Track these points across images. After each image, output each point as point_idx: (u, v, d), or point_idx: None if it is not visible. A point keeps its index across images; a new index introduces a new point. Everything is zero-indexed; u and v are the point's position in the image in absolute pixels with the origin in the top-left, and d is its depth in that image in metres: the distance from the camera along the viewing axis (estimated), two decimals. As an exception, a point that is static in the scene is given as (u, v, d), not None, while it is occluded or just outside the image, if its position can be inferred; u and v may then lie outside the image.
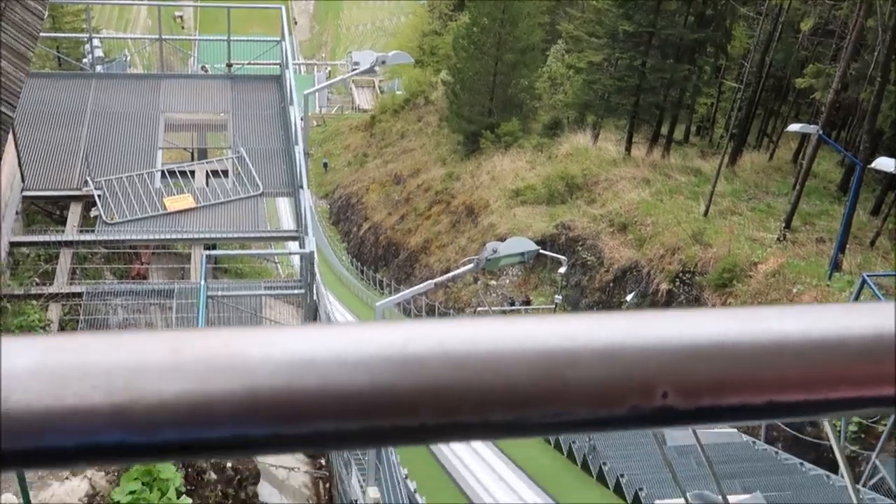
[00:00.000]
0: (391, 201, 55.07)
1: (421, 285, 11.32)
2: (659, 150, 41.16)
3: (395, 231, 50.64)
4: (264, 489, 15.39)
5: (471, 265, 11.34)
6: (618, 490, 16.51)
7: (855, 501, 10.66)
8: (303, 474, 17.48)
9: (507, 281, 37.49)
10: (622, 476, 16.52)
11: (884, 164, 18.46)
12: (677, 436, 17.82)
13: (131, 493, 11.61)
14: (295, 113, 19.85)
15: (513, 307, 33.99)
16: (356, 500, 13.78)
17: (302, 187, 18.33)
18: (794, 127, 25.38)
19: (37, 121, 20.06)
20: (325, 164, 74.54)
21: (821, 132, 23.77)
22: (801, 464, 17.68)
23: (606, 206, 36.00)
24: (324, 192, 69.90)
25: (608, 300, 31.86)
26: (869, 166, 24.56)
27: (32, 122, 19.73)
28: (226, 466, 14.18)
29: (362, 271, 51.51)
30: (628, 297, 30.58)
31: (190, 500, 12.18)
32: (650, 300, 29.41)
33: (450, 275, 12.18)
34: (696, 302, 27.18)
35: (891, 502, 15.11)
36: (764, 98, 40.28)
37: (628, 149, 41.41)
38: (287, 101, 20.73)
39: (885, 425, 16.24)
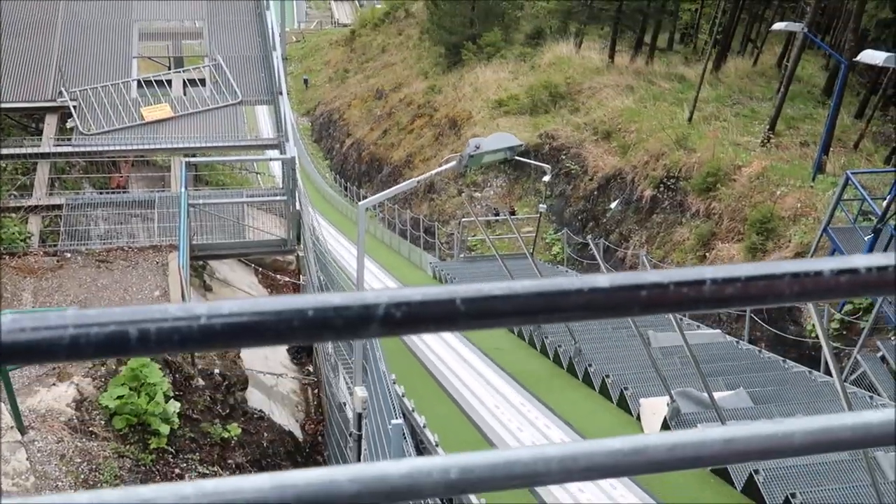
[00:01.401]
0: (373, 116, 54.55)
1: (404, 183, 11.20)
2: (643, 57, 40.74)
3: (377, 146, 50.25)
4: (253, 395, 15.50)
5: (453, 162, 11.21)
6: (603, 390, 16.66)
7: (840, 391, 10.81)
8: (291, 380, 17.62)
9: (492, 192, 37.39)
10: (608, 377, 16.66)
11: (870, 56, 18.18)
12: (662, 337, 18.01)
13: (119, 397, 11.63)
14: (272, 18, 19.48)
15: (497, 218, 33.96)
16: (344, 403, 13.88)
17: (281, 94, 18.08)
18: (779, 25, 25.02)
19: (6, 31, 19.60)
20: (306, 81, 73.60)
21: (806, 30, 23.47)
22: (784, 361, 17.86)
23: (590, 114, 35.74)
24: (305, 109, 69.15)
25: (592, 208, 31.84)
26: (854, 66, 24.36)
27: (1, 32, 19.29)
28: (213, 373, 14.24)
29: (346, 188, 51.25)
30: (612, 205, 30.58)
31: (178, 404, 12.25)
32: (634, 206, 29.41)
33: (433, 172, 12.05)
34: (679, 207, 27.17)
35: (870, 395, 15.33)
36: (748, 3, 39.72)
37: (612, 56, 40.99)
38: (263, 5, 20.31)
39: (867, 321, 16.41)
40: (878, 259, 0.89)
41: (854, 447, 1.02)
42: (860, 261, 0.89)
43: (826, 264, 0.88)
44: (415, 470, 0.91)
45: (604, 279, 0.84)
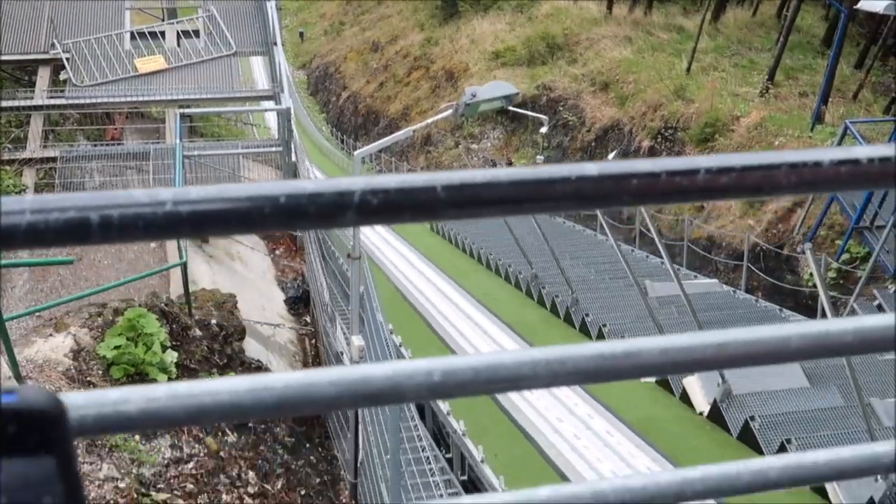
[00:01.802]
0: (369, 69, 54.13)
1: (400, 132, 11.11)
2: (641, 7, 40.31)
3: (374, 99, 49.94)
4: (250, 345, 15.52)
5: (449, 111, 11.12)
6: (600, 340, 16.71)
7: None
8: (288, 330, 17.64)
9: (489, 144, 37.23)
10: (604, 326, 16.73)
11: (870, 4, 17.93)
12: (659, 287, 18.05)
13: (116, 347, 11.64)
14: (265, -33, 19.20)
15: (494, 170, 33.80)
16: (341, 353, 13.91)
17: (276, 44, 17.89)
18: (778, -26, 24.75)
19: (-4, -18, 19.35)
20: (301, 34, 72.96)
21: (806, -22, 23.21)
22: (780, 310, 17.90)
23: (588, 65, 35.47)
24: (301, 62, 68.62)
25: (590, 159, 31.66)
26: (854, 16, 24.11)
27: (-8, -17, 19.04)
28: (211, 323, 14.25)
29: (342, 141, 51.01)
30: (610, 156, 30.45)
31: (175, 354, 12.25)
32: (632, 157, 29.30)
33: (429, 120, 11.95)
34: (678, 157, 27.05)
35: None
36: (748, -49, 39.28)
37: (610, 7, 40.57)
38: (257, -46, 20.04)
39: (864, 270, 16.41)
40: (880, 150, 0.85)
41: (853, 352, 0.99)
42: (861, 151, 0.85)
43: (826, 154, 0.84)
44: (397, 373, 0.88)
45: (592, 167, 0.80)
